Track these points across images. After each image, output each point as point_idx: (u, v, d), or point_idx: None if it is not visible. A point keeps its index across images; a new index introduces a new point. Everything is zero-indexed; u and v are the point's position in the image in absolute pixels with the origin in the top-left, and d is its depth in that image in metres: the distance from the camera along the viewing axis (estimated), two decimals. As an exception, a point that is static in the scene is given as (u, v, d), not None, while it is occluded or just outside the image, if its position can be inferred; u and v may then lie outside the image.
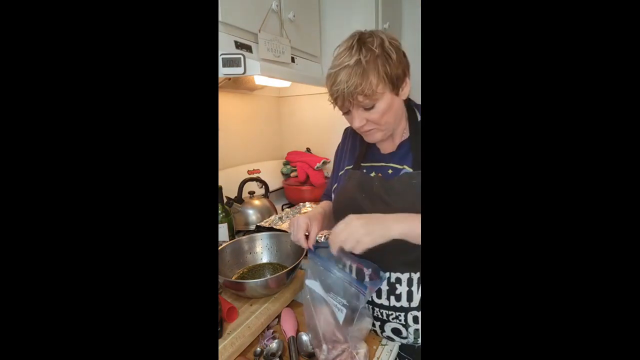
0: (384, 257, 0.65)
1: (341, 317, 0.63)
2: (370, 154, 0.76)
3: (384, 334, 0.74)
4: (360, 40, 0.61)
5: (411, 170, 0.67)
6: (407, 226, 0.57)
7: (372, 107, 0.62)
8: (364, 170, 0.73)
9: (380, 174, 0.71)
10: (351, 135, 0.83)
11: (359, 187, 0.70)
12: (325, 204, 0.84)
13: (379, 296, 0.71)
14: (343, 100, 0.62)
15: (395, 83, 0.62)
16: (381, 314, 0.72)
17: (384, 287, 0.69)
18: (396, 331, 0.72)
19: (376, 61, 0.60)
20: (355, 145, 0.80)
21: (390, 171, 0.70)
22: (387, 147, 0.73)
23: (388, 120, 0.65)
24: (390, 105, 0.63)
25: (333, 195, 0.79)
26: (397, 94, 0.64)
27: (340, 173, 0.79)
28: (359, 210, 0.68)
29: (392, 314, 0.70)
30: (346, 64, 0.60)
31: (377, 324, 0.73)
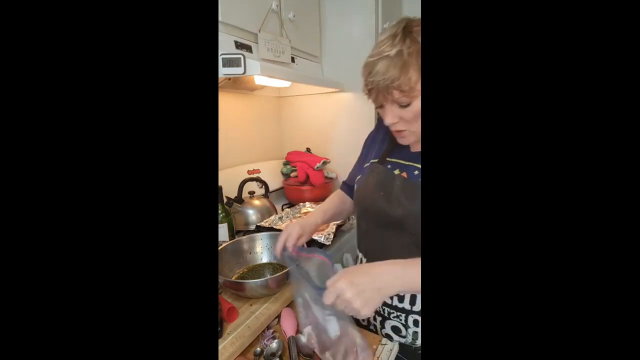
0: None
1: (334, 327, 0.59)
2: (398, 149, 0.71)
3: (383, 330, 0.73)
4: (406, 29, 0.55)
5: None
6: (407, 280, 0.52)
7: (407, 105, 0.57)
8: (389, 166, 0.70)
9: (404, 174, 0.67)
10: (384, 126, 0.78)
11: (379, 184, 0.68)
12: (328, 204, 0.84)
13: None
14: (377, 94, 0.58)
15: None
16: (383, 310, 0.71)
17: None
18: (395, 329, 0.72)
19: (419, 55, 0.54)
20: (385, 138, 0.75)
21: (416, 172, 0.65)
22: (417, 145, 0.68)
23: (420, 121, 0.60)
24: None
25: (355, 186, 0.77)
26: None
27: (366, 165, 0.77)
28: (376, 208, 0.67)
29: (393, 312, 0.70)
30: (386, 53, 0.54)
31: (378, 319, 0.73)
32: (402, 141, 0.66)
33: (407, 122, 0.60)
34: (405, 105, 0.58)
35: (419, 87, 0.55)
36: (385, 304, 0.70)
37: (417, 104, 0.57)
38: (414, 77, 0.54)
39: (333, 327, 0.59)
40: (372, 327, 0.76)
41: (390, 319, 0.71)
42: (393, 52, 0.54)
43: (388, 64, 0.54)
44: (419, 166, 0.66)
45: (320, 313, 0.59)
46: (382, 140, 0.77)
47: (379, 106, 0.62)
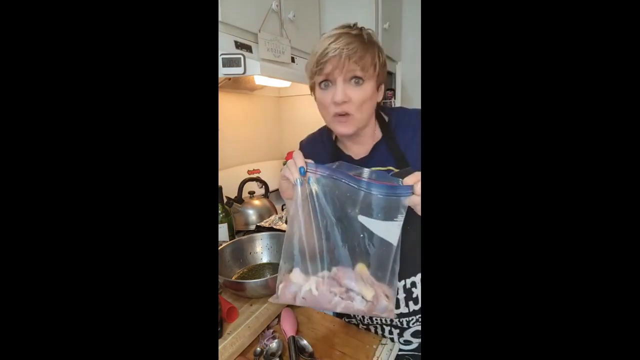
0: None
1: (395, 234, 0.50)
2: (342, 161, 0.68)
3: (401, 338, 0.72)
4: (361, 28, 0.61)
5: (397, 169, 0.63)
6: None
7: (360, 84, 0.59)
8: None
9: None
10: (314, 145, 0.75)
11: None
12: None
13: (397, 306, 0.68)
14: (335, 65, 0.57)
15: (380, 78, 0.61)
16: (400, 322, 0.70)
17: (401, 295, 0.67)
18: (417, 334, 0.71)
19: (374, 46, 0.59)
20: (321, 155, 0.71)
21: (374, 176, 0.63)
22: (359, 151, 0.69)
23: (365, 111, 0.61)
24: (372, 95, 0.60)
25: None
26: (377, 90, 0.62)
27: None
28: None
29: (412, 319, 0.70)
30: (347, 32, 0.58)
31: (395, 331, 0.72)
32: (342, 129, 0.62)
33: (355, 105, 0.59)
34: (357, 84, 0.59)
35: (372, 71, 0.59)
36: (402, 314, 0.69)
37: (368, 87, 0.59)
38: (369, 60, 0.57)
39: (394, 234, 0.50)
40: (372, 333, 0.74)
41: (410, 327, 0.71)
42: (355, 32, 0.58)
43: (352, 39, 0.57)
44: (375, 169, 0.61)
45: (377, 223, 0.50)
46: (317, 157, 0.71)
47: (325, 81, 0.60)
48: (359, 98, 0.59)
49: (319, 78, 0.61)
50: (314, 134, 0.79)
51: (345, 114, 0.60)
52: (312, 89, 0.66)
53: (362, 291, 0.50)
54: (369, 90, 0.60)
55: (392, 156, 0.65)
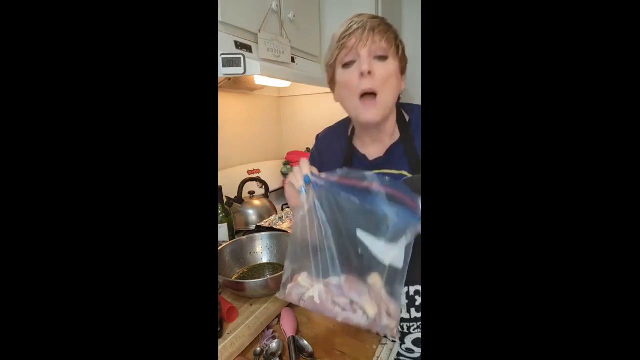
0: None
1: (392, 256, 0.48)
2: (356, 161, 0.68)
3: (403, 346, 0.72)
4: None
5: (410, 175, 0.61)
6: None
7: (383, 59, 0.58)
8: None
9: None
10: (329, 140, 0.74)
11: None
12: None
13: None
14: (359, 37, 0.57)
15: (403, 63, 0.62)
16: (402, 327, 0.70)
17: (403, 301, 0.67)
18: (417, 342, 0.70)
19: (394, 29, 0.60)
20: (335, 151, 0.70)
21: (387, 178, 0.56)
22: (374, 152, 0.67)
23: (389, 91, 0.59)
24: (396, 74, 0.59)
25: None
26: (400, 75, 0.62)
27: None
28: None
29: (413, 325, 0.69)
30: (368, 13, 0.60)
31: (397, 336, 0.72)
32: (368, 114, 0.59)
33: (379, 82, 0.58)
34: (380, 59, 0.58)
35: (395, 50, 0.59)
36: (403, 319, 0.69)
37: (392, 64, 0.59)
38: (393, 37, 0.59)
39: (390, 256, 0.48)
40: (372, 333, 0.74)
41: (410, 333, 0.70)
42: (374, 14, 0.62)
43: (373, 15, 0.59)
44: (388, 171, 0.64)
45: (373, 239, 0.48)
46: (330, 155, 0.71)
47: (347, 64, 0.59)
48: (383, 73, 0.57)
49: (341, 56, 0.60)
50: (332, 127, 0.78)
51: (371, 93, 0.58)
52: (332, 80, 0.65)
53: (364, 306, 0.49)
54: (393, 68, 0.59)
55: (407, 160, 0.63)
